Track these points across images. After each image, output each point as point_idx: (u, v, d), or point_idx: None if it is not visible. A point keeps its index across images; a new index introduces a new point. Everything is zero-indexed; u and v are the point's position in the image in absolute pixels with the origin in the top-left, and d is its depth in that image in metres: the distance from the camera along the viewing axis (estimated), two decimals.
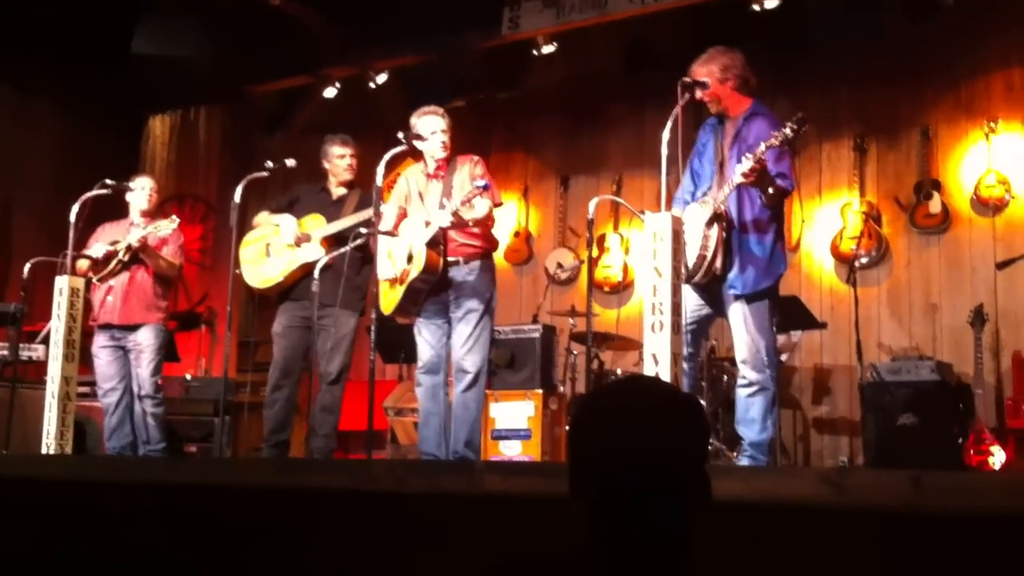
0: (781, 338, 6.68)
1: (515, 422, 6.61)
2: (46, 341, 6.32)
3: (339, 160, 5.98)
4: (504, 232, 9.05)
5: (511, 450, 6.58)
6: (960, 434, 6.40)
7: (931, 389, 6.58)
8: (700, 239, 4.57)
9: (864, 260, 7.56)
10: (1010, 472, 6.02)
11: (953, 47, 7.64)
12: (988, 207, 7.37)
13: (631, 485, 1.63)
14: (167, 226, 6.31)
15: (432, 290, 5.25)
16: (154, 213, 6.59)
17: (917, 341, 7.50)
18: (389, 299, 5.29)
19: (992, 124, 7.43)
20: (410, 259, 5.21)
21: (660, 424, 1.66)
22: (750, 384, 4.59)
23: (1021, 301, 7.11)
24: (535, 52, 8.04)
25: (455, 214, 5.03)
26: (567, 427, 6.69)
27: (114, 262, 6.31)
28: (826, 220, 7.97)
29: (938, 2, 7.36)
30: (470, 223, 5.14)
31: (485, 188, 5.00)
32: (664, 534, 1.64)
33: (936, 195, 7.53)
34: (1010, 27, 7.48)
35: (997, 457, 6.30)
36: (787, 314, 6.09)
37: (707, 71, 4.71)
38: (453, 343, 5.26)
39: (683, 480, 1.65)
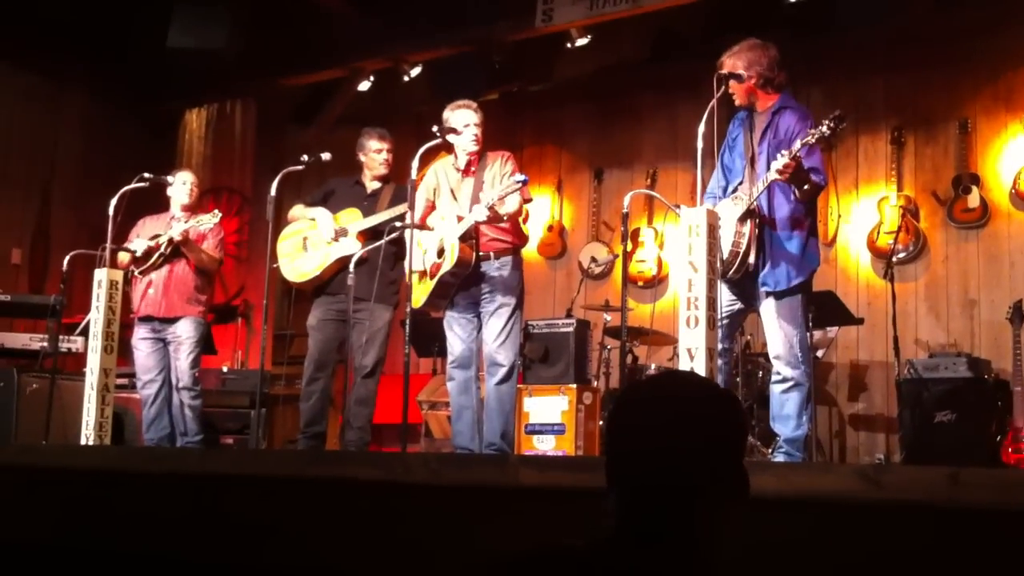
0: (817, 334, 6.65)
1: (549, 417, 6.60)
2: (85, 333, 6.39)
3: (376, 154, 6.01)
4: (537, 226, 9.06)
5: (545, 444, 6.58)
6: (998, 432, 6.33)
7: (968, 386, 6.51)
8: (733, 235, 4.56)
9: (901, 255, 7.51)
10: None
11: (990, 38, 7.53)
12: None
13: (669, 477, 1.63)
14: (209, 220, 6.36)
15: (462, 284, 5.28)
16: (194, 207, 6.64)
17: (955, 337, 7.43)
18: (418, 292, 5.31)
19: None
20: (441, 253, 5.23)
21: (699, 418, 1.67)
22: (784, 380, 4.58)
23: None
24: (568, 45, 8.02)
25: (491, 208, 5.04)
26: (600, 421, 6.71)
27: (156, 255, 6.37)
28: (863, 214, 7.91)
29: None
30: (504, 218, 5.17)
31: (524, 183, 5.02)
32: (701, 526, 1.64)
33: (975, 189, 7.45)
34: None
35: None
36: (823, 309, 6.05)
37: (732, 64, 4.69)
38: (485, 337, 5.28)
39: (721, 474, 1.66)
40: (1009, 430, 6.31)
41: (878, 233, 7.72)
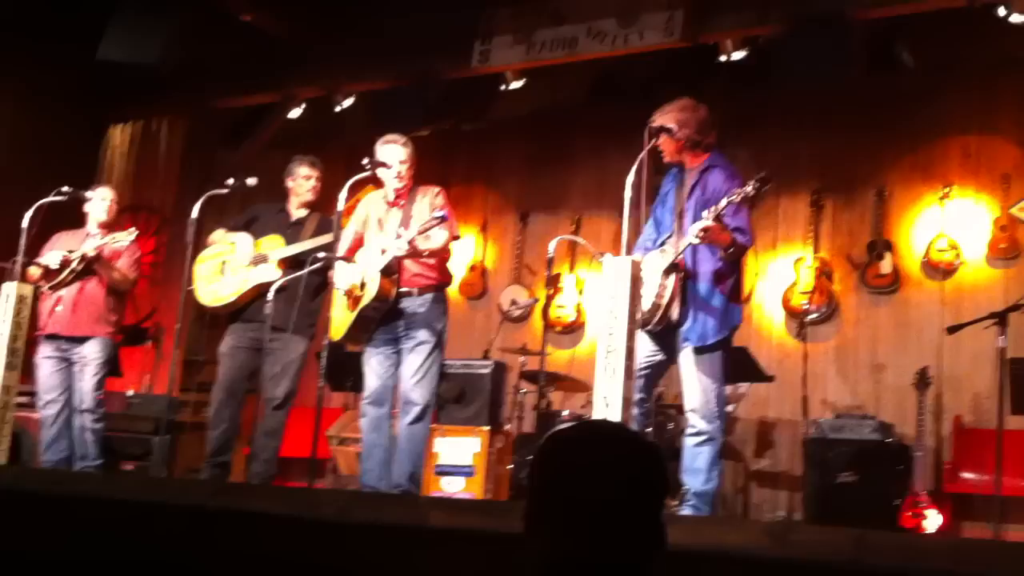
0: (728, 389, 6.72)
1: (459, 458, 6.55)
2: None
3: (304, 181, 5.93)
4: (460, 265, 9.04)
5: (453, 486, 6.52)
6: (898, 495, 6.46)
7: (872, 448, 6.65)
8: (657, 287, 4.60)
9: (814, 316, 7.65)
10: (952, 537, 6.08)
11: (913, 109, 7.78)
12: (938, 271, 7.49)
13: (592, 526, 1.62)
14: (124, 237, 6.21)
15: (383, 319, 5.23)
16: (112, 225, 6.48)
17: (861, 399, 7.58)
18: (340, 324, 5.25)
19: (946, 189, 7.56)
20: (363, 286, 5.18)
21: (625, 469, 1.67)
22: (699, 433, 4.60)
23: (965, 367, 7.21)
24: (503, 87, 8.07)
25: (411, 243, 5.02)
26: (511, 465, 6.69)
27: (67, 271, 6.19)
28: (779, 273, 8.05)
29: (899, 61, 7.50)
30: (425, 253, 5.14)
31: (443, 219, 5.01)
32: None
33: (888, 255, 7.64)
34: (969, 94, 7.66)
35: (932, 520, 6.36)
36: (736, 365, 6.09)
37: (662, 122, 4.76)
38: (402, 374, 5.23)
39: (642, 525, 1.66)
40: (909, 494, 6.45)
41: (793, 293, 7.86)
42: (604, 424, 1.95)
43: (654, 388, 5.53)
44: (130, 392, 7.76)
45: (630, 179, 4.42)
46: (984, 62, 7.54)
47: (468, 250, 9.21)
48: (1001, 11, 6.30)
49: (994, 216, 7.41)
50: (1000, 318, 5.04)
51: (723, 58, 7.11)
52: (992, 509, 4.87)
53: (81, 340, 6.19)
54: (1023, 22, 6.35)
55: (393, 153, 5.34)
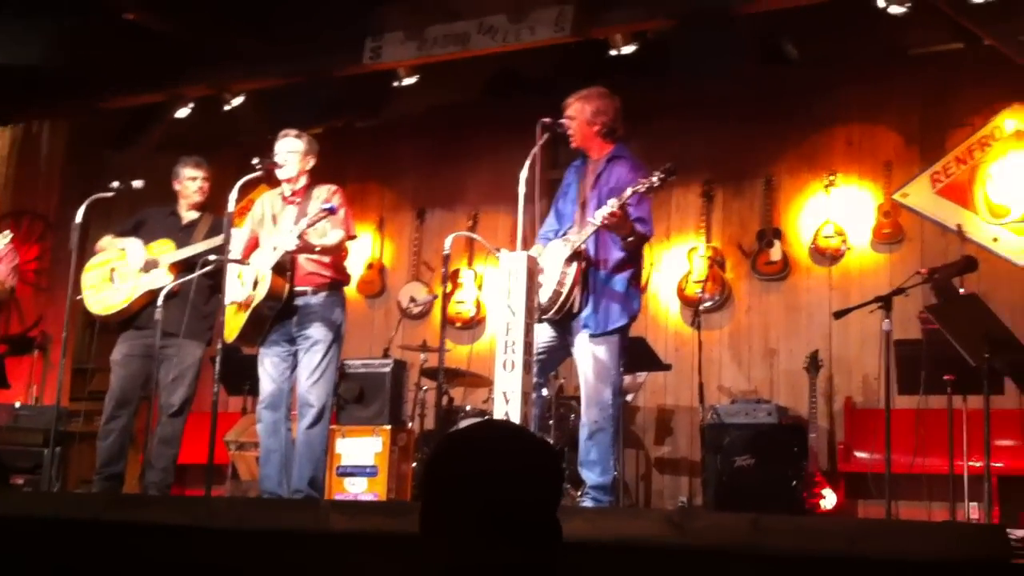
0: (627, 378, 6.81)
1: (362, 458, 6.48)
2: None
3: (190, 182, 5.81)
4: (358, 264, 8.98)
5: (356, 487, 6.46)
6: (794, 476, 6.62)
7: (768, 431, 6.81)
8: (558, 275, 4.63)
9: (708, 304, 7.79)
10: (843, 518, 6.26)
11: (798, 101, 7.99)
12: (825, 257, 7.70)
13: (488, 525, 1.63)
14: None
15: (277, 318, 5.14)
16: None
17: (756, 384, 7.76)
18: (233, 325, 5.15)
19: (831, 177, 7.77)
20: (256, 284, 5.09)
21: (519, 467, 1.68)
22: (590, 424, 4.62)
23: (854, 349, 7.43)
24: (396, 84, 8.02)
25: (301, 237, 4.94)
26: (414, 463, 6.65)
27: None
28: (673, 263, 8.18)
29: (784, 53, 7.67)
30: (317, 249, 5.06)
31: (331, 211, 4.93)
32: (516, 573, 1.64)
33: (777, 243, 7.83)
34: (852, 83, 7.88)
35: (828, 499, 6.55)
36: (633, 355, 6.21)
37: (579, 108, 4.81)
38: (299, 375, 5.15)
39: (537, 522, 1.67)
40: (805, 474, 6.62)
41: (687, 282, 8.00)
42: (497, 425, 1.95)
43: (551, 374, 5.55)
44: (17, 403, 7.51)
45: (523, 174, 4.43)
46: (866, 53, 7.77)
47: (365, 248, 9.15)
48: (880, 3, 6.48)
49: (878, 202, 7.65)
50: (885, 302, 5.17)
51: (613, 52, 7.17)
52: (884, 487, 5.01)
53: None
54: (901, 13, 6.54)
55: (286, 145, 5.27)
